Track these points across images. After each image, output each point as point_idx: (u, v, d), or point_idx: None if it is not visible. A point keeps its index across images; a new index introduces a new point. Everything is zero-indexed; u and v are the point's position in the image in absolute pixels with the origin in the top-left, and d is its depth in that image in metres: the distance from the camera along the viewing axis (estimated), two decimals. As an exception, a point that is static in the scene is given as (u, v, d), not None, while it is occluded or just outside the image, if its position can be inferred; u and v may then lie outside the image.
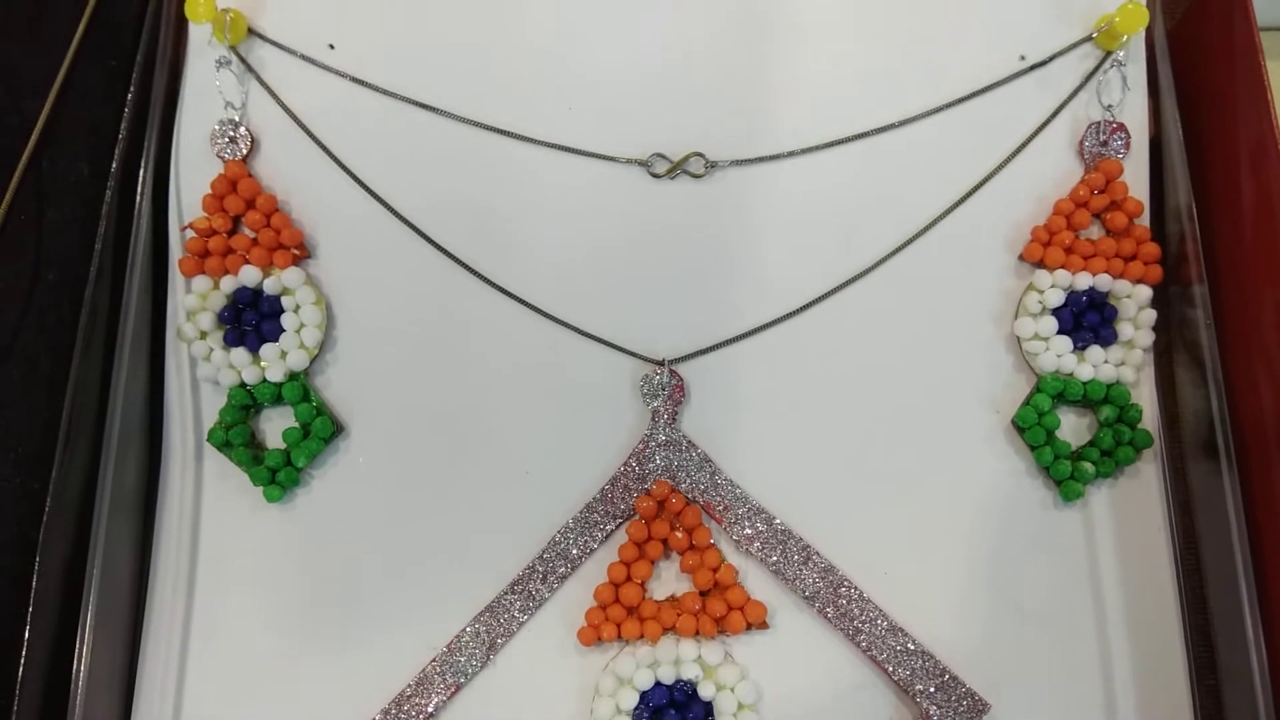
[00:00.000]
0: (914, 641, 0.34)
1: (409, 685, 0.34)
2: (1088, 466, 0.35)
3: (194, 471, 0.36)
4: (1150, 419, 0.36)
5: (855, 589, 0.34)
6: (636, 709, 0.33)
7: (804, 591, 0.34)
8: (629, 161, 0.36)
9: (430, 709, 0.34)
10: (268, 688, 0.34)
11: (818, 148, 0.36)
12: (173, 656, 0.35)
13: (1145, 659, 0.34)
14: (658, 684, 0.33)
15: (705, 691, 0.33)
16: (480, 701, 0.34)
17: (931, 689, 0.33)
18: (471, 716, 0.34)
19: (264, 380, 0.35)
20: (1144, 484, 0.35)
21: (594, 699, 0.33)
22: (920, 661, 0.34)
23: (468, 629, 0.34)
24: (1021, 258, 0.36)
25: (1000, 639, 0.34)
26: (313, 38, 0.37)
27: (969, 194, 0.36)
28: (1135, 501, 0.35)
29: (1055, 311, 0.35)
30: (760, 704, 0.33)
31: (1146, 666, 0.34)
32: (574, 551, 0.35)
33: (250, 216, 0.36)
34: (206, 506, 0.36)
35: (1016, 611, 0.34)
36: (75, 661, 0.33)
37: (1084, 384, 0.35)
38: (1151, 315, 0.36)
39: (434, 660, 0.34)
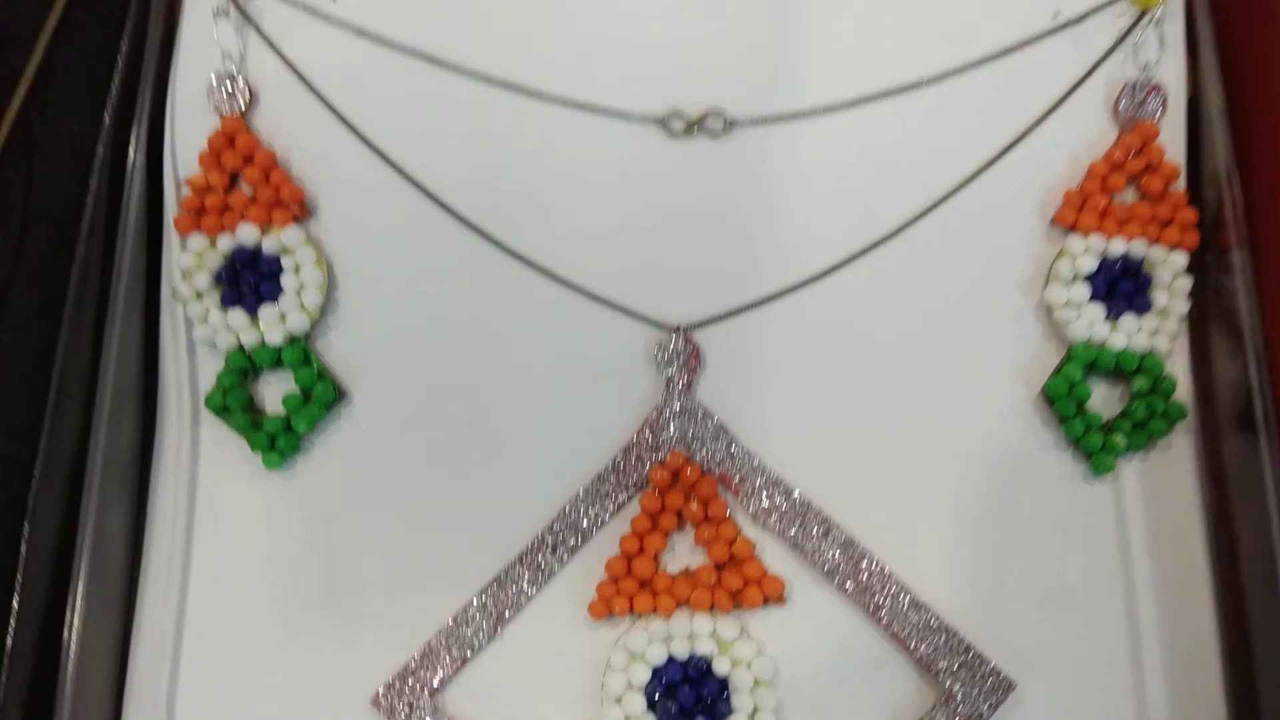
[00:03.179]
0: (937, 617, 0.32)
1: (413, 658, 0.33)
2: (1119, 439, 0.33)
3: (190, 437, 0.35)
4: (1184, 390, 0.34)
5: (877, 563, 0.33)
6: (649, 684, 0.32)
7: (823, 566, 0.33)
8: (644, 119, 0.35)
9: (435, 683, 0.33)
10: (266, 659, 0.33)
11: (841, 106, 0.35)
12: (168, 627, 0.34)
13: (1176, 637, 0.33)
14: (671, 659, 0.32)
15: (720, 667, 0.32)
16: (487, 675, 0.33)
17: (955, 666, 0.32)
18: (478, 691, 0.33)
19: (263, 343, 0.34)
20: (1177, 457, 0.34)
21: (605, 674, 0.32)
22: (943, 638, 0.32)
23: (474, 601, 0.33)
24: (1053, 222, 0.35)
25: (1026, 616, 0.33)
26: (314, -14, 0.36)
27: (999, 156, 0.35)
28: (1167, 475, 0.34)
29: (1088, 278, 0.34)
30: (777, 680, 0.32)
31: (1177, 644, 0.33)
32: (584, 523, 0.34)
33: (248, 172, 0.35)
34: (203, 474, 0.35)
35: (1043, 588, 0.33)
36: (65, 631, 0.32)
37: (1116, 354, 0.34)
38: (1187, 282, 0.34)
39: (439, 633, 0.33)
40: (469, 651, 0.33)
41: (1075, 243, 0.34)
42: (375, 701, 0.33)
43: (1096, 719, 0.32)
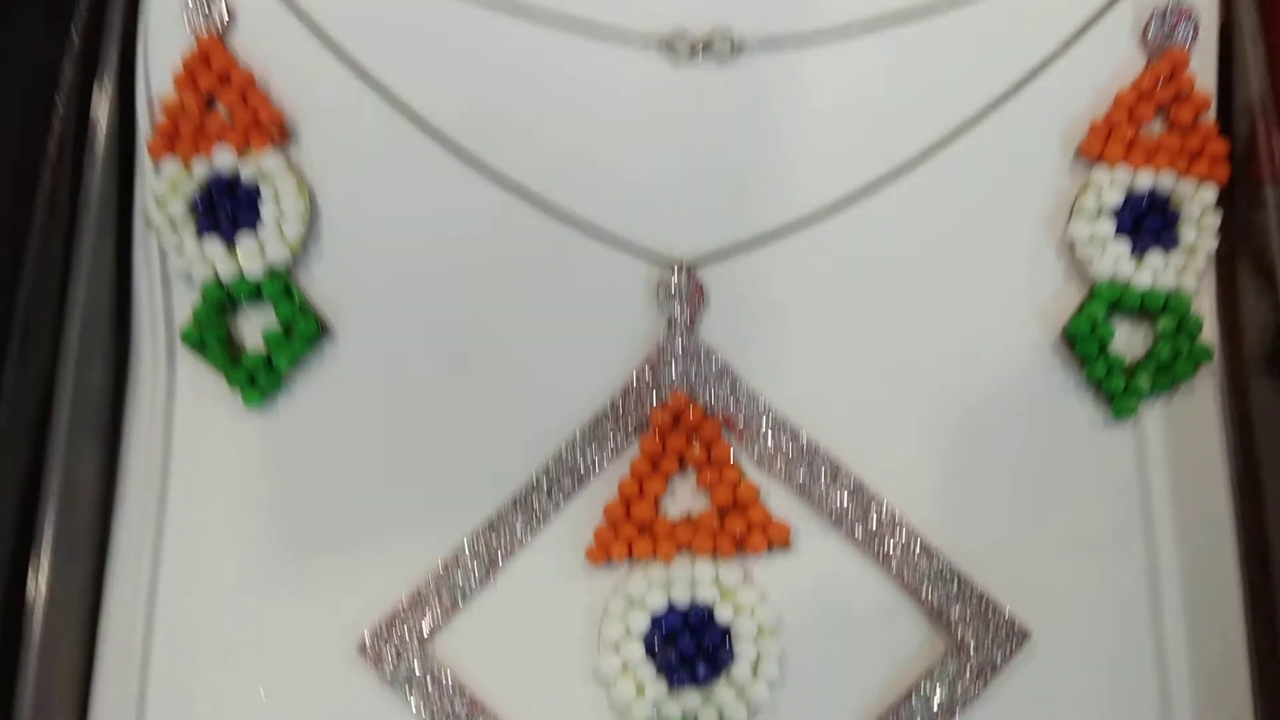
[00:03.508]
0: (949, 565, 0.31)
1: (402, 605, 0.31)
2: (1143, 381, 0.32)
3: (165, 375, 0.33)
4: (1210, 331, 0.33)
5: (887, 509, 0.31)
6: (648, 632, 0.31)
7: (831, 511, 0.32)
8: (645, 40, 0.33)
9: (425, 630, 0.31)
10: (247, 607, 0.32)
11: (856, 29, 0.33)
12: (142, 574, 0.32)
13: (1197, 586, 0.31)
14: (671, 606, 0.31)
15: (722, 614, 0.31)
16: (480, 623, 0.31)
17: (967, 615, 0.31)
18: (470, 638, 0.31)
19: (241, 275, 0.32)
20: (1201, 401, 0.33)
21: (602, 621, 0.31)
22: (956, 586, 0.31)
23: (466, 546, 0.32)
24: (1078, 153, 0.33)
25: (1043, 564, 0.31)
26: (293, -105, 0.34)
27: (1021, 84, 0.33)
28: (1191, 419, 0.32)
29: (1113, 213, 0.32)
30: (781, 629, 0.31)
31: (1198, 594, 0.31)
32: (581, 466, 0.32)
33: (224, 94, 0.33)
34: (179, 413, 0.33)
35: (1061, 535, 0.32)
36: (31, 580, 0.31)
37: (1141, 292, 0.32)
38: (1216, 218, 0.33)
39: (429, 578, 0.31)
40: (460, 598, 0.31)
41: (1101, 175, 0.32)
42: (362, 649, 0.31)
43: (1114, 669, 0.31)
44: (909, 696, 0.31)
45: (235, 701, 0.32)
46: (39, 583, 0.31)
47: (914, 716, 0.31)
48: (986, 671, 0.31)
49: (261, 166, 0.32)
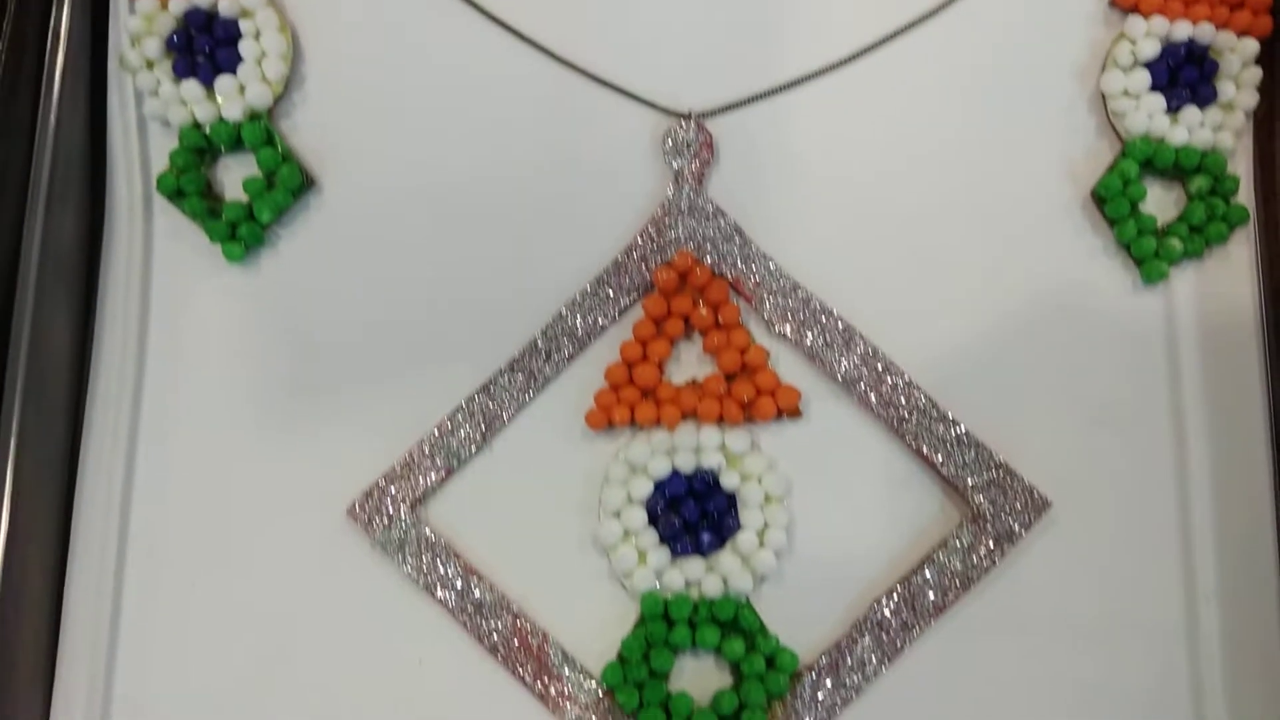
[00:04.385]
0: (967, 432, 0.30)
1: (394, 468, 0.30)
2: (1175, 244, 0.30)
3: (142, 227, 0.31)
4: (1246, 193, 0.31)
5: (902, 374, 0.30)
6: (651, 498, 0.29)
7: (843, 376, 0.30)
8: (655, -126, 0.31)
9: (418, 493, 0.30)
10: (230, 472, 0.30)
11: None
12: (120, 437, 0.31)
13: (1225, 459, 0.30)
14: (675, 472, 0.30)
15: (728, 481, 0.29)
16: (476, 487, 0.30)
17: (985, 483, 0.29)
18: (464, 504, 0.30)
19: (220, 118, 0.30)
20: (1235, 266, 0.31)
21: (602, 487, 0.30)
22: (973, 453, 0.30)
23: (461, 408, 0.30)
24: (1112, 3, 0.31)
25: (1065, 433, 0.30)
26: None
27: (1053, -73, 0.31)
28: (1224, 285, 0.31)
29: (1148, 65, 0.31)
30: (790, 497, 0.30)
31: (1226, 467, 0.30)
32: (581, 329, 0.30)
33: (201, -79, 0.31)
34: (157, 268, 0.31)
35: (1085, 404, 0.30)
36: (3, 446, 0.29)
37: (1176, 149, 0.31)
38: (1256, 74, 0.31)
39: (422, 442, 0.30)
40: (455, 462, 0.30)
41: (1136, 25, 0.31)
42: (351, 513, 0.30)
43: (1137, 542, 0.30)
44: (923, 566, 0.29)
45: (216, 567, 0.30)
46: (10, 446, 0.29)
47: (928, 587, 0.29)
48: (1004, 542, 0.29)
49: (242, 1, 0.30)
